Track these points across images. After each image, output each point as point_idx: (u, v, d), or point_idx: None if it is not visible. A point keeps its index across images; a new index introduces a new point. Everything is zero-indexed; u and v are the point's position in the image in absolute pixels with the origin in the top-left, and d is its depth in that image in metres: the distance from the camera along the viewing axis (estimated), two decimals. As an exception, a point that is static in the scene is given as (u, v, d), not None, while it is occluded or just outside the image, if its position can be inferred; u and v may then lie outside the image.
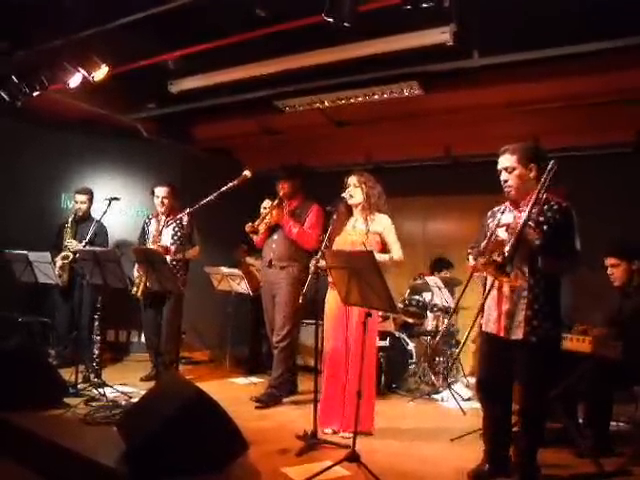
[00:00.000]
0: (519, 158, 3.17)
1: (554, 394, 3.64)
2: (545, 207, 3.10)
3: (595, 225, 5.14)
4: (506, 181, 3.20)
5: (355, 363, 3.93)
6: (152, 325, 5.58)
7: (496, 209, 3.40)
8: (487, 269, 2.99)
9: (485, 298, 3.30)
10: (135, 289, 5.49)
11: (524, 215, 2.99)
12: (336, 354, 4.22)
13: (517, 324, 3.12)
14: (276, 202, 4.96)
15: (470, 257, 3.42)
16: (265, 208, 5.03)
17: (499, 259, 2.90)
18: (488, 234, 3.18)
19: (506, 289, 3.18)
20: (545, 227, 3.04)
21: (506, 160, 3.21)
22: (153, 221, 5.77)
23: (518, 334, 3.11)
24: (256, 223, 4.94)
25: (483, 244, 3.13)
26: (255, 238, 5.13)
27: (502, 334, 3.19)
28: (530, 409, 3.15)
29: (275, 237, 5.03)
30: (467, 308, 5.27)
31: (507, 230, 3.07)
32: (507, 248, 2.92)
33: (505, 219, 3.23)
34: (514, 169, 3.18)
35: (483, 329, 3.34)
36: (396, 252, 4.26)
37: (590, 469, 3.45)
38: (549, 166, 2.99)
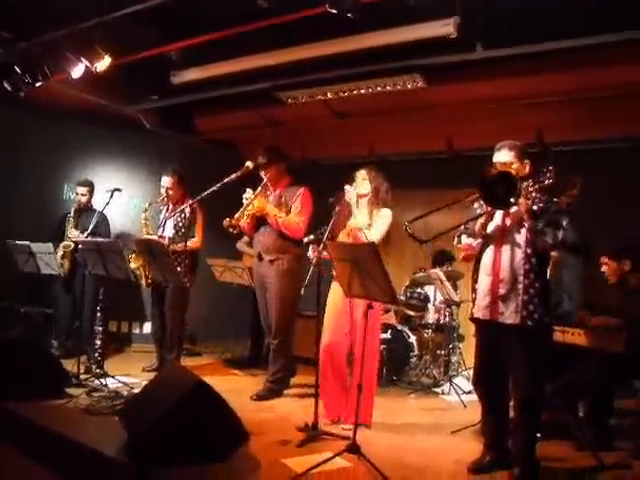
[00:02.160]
0: (517, 154, 3.28)
1: (555, 387, 3.66)
2: (537, 200, 3.20)
3: (597, 220, 5.16)
4: None
5: (358, 355, 3.93)
6: (157, 317, 5.57)
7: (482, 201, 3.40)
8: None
9: (473, 284, 3.38)
10: (141, 281, 5.50)
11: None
12: (337, 346, 4.22)
13: (513, 308, 3.17)
14: (258, 190, 4.78)
15: (463, 236, 3.50)
16: (247, 199, 4.77)
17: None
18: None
19: (503, 274, 3.22)
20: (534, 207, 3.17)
21: (505, 155, 3.29)
22: (163, 211, 5.74)
23: (514, 318, 3.15)
24: (236, 216, 4.72)
25: (479, 222, 3.34)
26: (236, 231, 4.91)
27: (496, 318, 3.21)
28: (527, 399, 3.17)
29: (262, 229, 4.90)
30: (468, 301, 5.26)
31: None
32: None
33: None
34: (512, 164, 3.26)
35: (475, 316, 3.36)
36: (373, 234, 4.17)
37: (589, 462, 3.47)
38: (548, 173, 3.09)
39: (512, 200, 2.99)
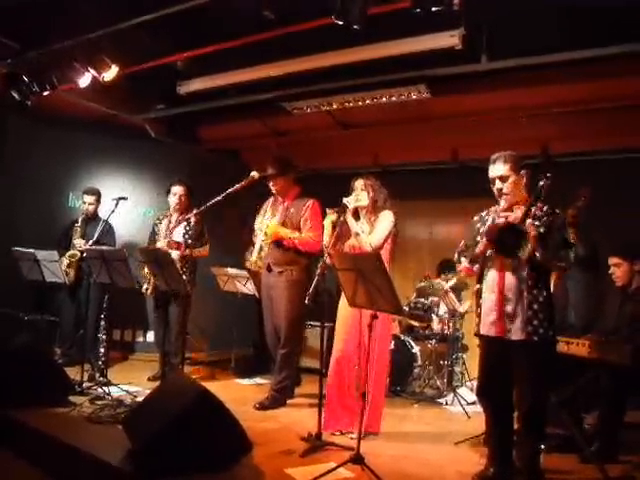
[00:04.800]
0: (512, 166, 3.25)
1: (561, 399, 3.64)
2: (539, 213, 3.19)
3: (605, 231, 5.15)
4: (501, 189, 3.27)
5: (363, 364, 3.91)
6: (160, 325, 5.57)
7: (483, 213, 3.47)
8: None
9: (478, 300, 3.36)
10: (146, 287, 5.52)
11: (520, 211, 3.10)
12: (348, 357, 4.22)
13: (518, 325, 3.15)
14: (268, 218, 4.90)
15: (462, 259, 3.47)
16: (259, 230, 4.91)
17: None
18: (479, 238, 3.31)
19: (508, 291, 3.20)
20: (540, 228, 3.11)
21: (499, 169, 3.27)
22: (165, 221, 5.76)
23: (520, 335, 3.14)
24: (253, 259, 4.87)
25: (478, 248, 3.27)
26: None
27: (502, 335, 3.20)
28: (531, 411, 3.16)
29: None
30: (472, 312, 5.26)
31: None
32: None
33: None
34: (508, 177, 3.24)
35: (481, 332, 3.35)
36: (374, 238, 4.19)
37: (594, 475, 3.44)
38: (542, 182, 3.05)
39: (522, 252, 2.98)
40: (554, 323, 3.20)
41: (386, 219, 4.28)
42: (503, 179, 3.24)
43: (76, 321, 6.02)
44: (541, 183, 3.05)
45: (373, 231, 4.25)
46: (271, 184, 4.92)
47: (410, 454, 3.87)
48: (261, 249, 4.85)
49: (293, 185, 5.03)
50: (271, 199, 5.08)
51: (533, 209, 3.12)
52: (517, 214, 3.16)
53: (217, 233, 6.00)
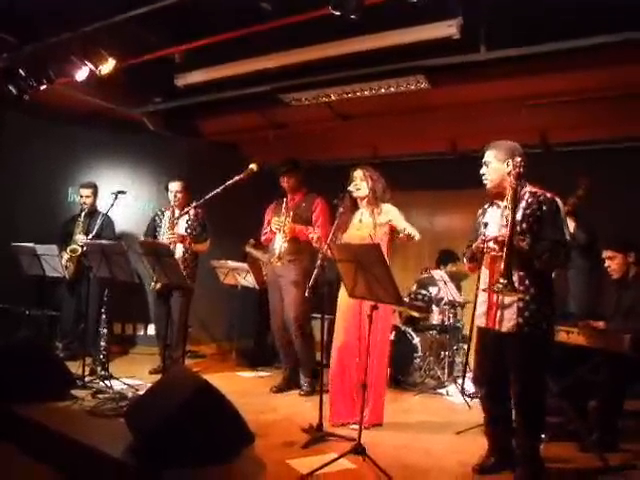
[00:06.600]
0: (496, 153, 3.33)
1: (562, 388, 3.65)
2: (531, 200, 3.21)
3: (604, 221, 5.15)
4: (483, 174, 3.37)
5: (363, 355, 3.92)
6: (162, 318, 5.58)
7: (486, 206, 3.50)
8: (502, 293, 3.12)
9: (477, 293, 3.38)
10: (153, 284, 5.52)
11: (508, 218, 3.10)
12: (349, 348, 4.24)
13: (509, 316, 3.17)
14: (284, 219, 4.99)
15: (465, 259, 3.56)
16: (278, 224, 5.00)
17: (502, 285, 3.02)
18: (478, 233, 3.37)
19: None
20: (531, 219, 3.16)
21: (486, 154, 3.38)
22: (167, 213, 5.76)
23: (510, 326, 3.16)
24: (277, 254, 4.95)
25: (475, 245, 3.32)
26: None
27: (494, 326, 3.23)
28: (525, 402, 3.17)
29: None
30: (471, 302, 5.26)
31: (495, 243, 3.16)
32: (502, 269, 3.03)
33: (490, 218, 3.37)
34: (490, 163, 3.33)
35: (476, 323, 3.39)
36: (414, 233, 4.28)
37: (594, 463, 3.45)
38: (512, 162, 3.19)
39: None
40: (550, 314, 3.19)
41: (397, 212, 4.36)
42: (486, 164, 3.35)
43: (77, 315, 6.02)
44: (510, 170, 3.16)
45: (402, 230, 4.26)
46: (284, 181, 5.12)
47: (411, 444, 3.88)
48: (281, 247, 4.96)
49: (302, 184, 5.23)
50: (283, 201, 5.14)
51: (519, 215, 3.16)
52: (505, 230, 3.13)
53: (217, 226, 5.99)
